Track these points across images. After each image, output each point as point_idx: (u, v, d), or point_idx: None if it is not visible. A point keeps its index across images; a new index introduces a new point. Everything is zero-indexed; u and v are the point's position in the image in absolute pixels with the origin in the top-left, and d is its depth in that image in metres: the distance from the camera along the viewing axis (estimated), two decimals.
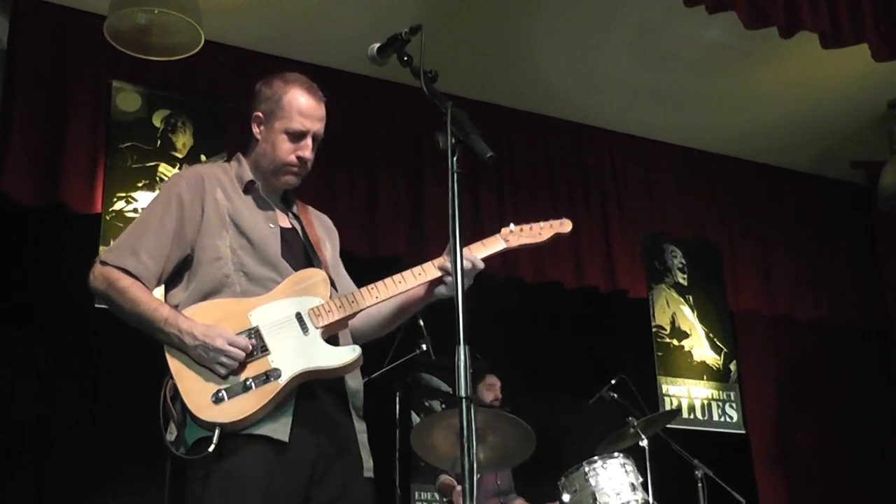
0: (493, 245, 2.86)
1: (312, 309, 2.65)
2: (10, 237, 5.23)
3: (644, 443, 5.09)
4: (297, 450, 2.55)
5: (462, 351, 2.11)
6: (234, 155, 2.94)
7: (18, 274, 5.28)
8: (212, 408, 2.51)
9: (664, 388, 6.71)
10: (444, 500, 5.27)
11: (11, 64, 5.15)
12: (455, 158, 2.28)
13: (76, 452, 5.19)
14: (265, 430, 2.53)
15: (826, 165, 7.56)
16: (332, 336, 2.70)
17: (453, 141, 2.30)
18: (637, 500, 4.68)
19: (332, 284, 2.74)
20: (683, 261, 7.12)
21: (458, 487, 4.96)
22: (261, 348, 2.59)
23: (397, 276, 2.73)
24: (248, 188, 2.83)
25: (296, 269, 2.73)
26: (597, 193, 6.78)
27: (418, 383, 6.55)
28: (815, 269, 7.44)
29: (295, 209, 2.93)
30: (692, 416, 6.74)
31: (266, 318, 2.63)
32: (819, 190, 7.69)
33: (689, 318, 7.01)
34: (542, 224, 2.95)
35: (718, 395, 6.92)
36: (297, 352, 2.60)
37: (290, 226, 2.87)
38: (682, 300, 7.05)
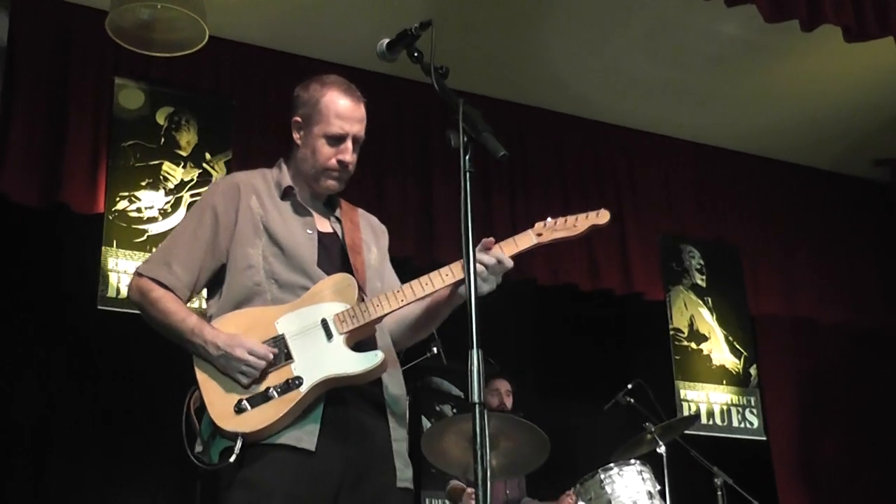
0: (524, 242, 2.76)
1: (337, 315, 2.66)
2: (10, 237, 5.25)
3: (661, 449, 5.08)
4: (325, 459, 2.56)
5: (475, 355, 2.11)
6: (276, 160, 2.97)
7: (19, 275, 5.31)
8: (234, 418, 2.55)
9: (682, 392, 6.69)
10: None
11: (11, 61, 5.16)
12: (467, 157, 2.28)
13: (76, 453, 5.22)
14: (290, 438, 2.56)
15: (848, 163, 7.53)
16: (364, 341, 2.71)
17: (465, 139, 2.30)
18: None
19: (361, 289, 2.73)
20: (702, 262, 7.11)
21: (469, 490, 4.95)
22: (285, 356, 2.62)
23: (424, 278, 2.71)
24: (286, 194, 2.86)
25: (330, 275, 2.74)
26: (612, 193, 6.77)
27: (429, 387, 6.55)
28: (837, 270, 7.41)
29: (338, 213, 2.93)
30: (711, 422, 6.72)
31: (292, 325, 2.66)
32: (841, 188, 7.66)
33: (707, 321, 7.00)
34: (577, 216, 2.82)
35: (738, 400, 6.91)
36: (319, 359, 2.61)
37: (330, 230, 2.88)
38: (700, 302, 7.03)
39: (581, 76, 6.37)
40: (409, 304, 2.70)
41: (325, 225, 2.88)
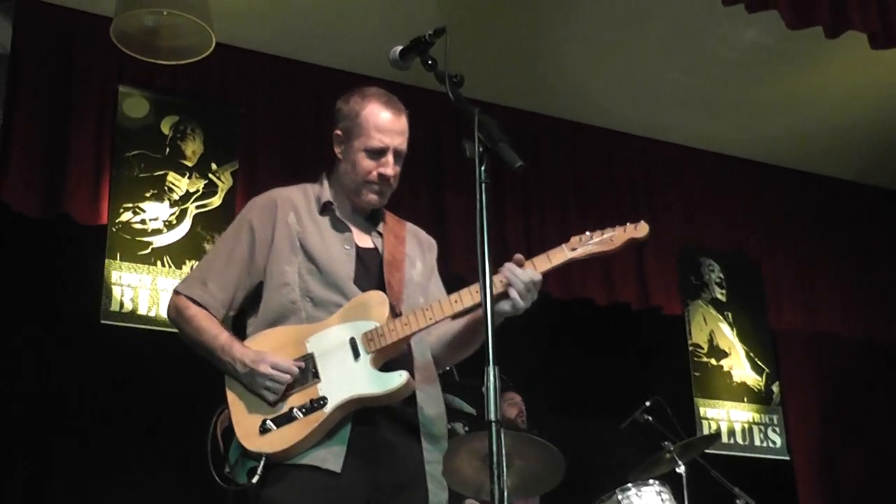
0: (558, 257, 2.70)
1: (365, 333, 2.66)
2: (11, 249, 5.26)
3: (681, 469, 5.06)
4: (350, 481, 2.57)
5: (492, 372, 2.10)
6: (319, 175, 2.98)
7: (20, 287, 5.32)
8: (258, 438, 2.60)
9: (702, 410, 6.67)
10: None
11: (14, 69, 5.19)
12: (483, 168, 2.28)
13: (77, 469, 5.22)
14: (314, 459, 2.58)
15: (874, 174, 7.52)
16: (396, 360, 2.70)
17: (481, 149, 2.30)
18: None
19: (394, 307, 2.72)
20: (721, 275, 7.09)
21: None
22: (312, 375, 2.65)
23: (454, 295, 2.70)
24: (325, 209, 2.88)
25: (366, 291, 2.74)
26: (628, 204, 6.76)
27: None
28: (862, 284, 7.39)
29: (381, 227, 2.94)
30: (732, 441, 6.70)
31: (321, 344, 2.68)
32: (866, 200, 7.64)
33: (727, 336, 6.98)
34: (613, 230, 2.75)
35: (760, 418, 6.88)
36: (345, 379, 2.63)
37: (370, 245, 2.89)
38: (720, 317, 7.02)
39: (597, 84, 6.38)
40: (437, 322, 2.68)
41: (365, 240, 2.89)
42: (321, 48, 5.92)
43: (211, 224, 5.51)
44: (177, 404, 5.43)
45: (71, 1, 5.45)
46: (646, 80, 6.34)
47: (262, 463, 2.55)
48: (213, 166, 5.62)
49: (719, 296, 7.05)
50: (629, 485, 4.79)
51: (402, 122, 2.86)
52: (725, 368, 6.89)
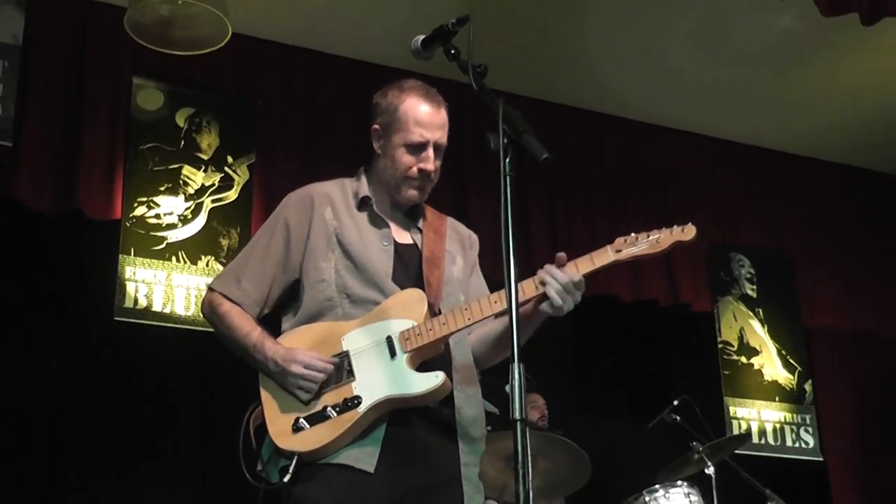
0: (602, 259, 2.69)
1: (402, 332, 2.67)
2: (24, 245, 5.30)
3: (710, 470, 5.05)
4: (383, 481, 2.58)
5: (517, 370, 2.10)
6: (357, 170, 2.98)
7: (33, 284, 5.36)
8: (291, 436, 2.62)
9: (732, 410, 6.65)
10: None
11: (26, 60, 5.22)
12: (507, 160, 2.27)
13: (90, 466, 5.27)
14: (347, 458, 2.59)
15: None
16: (434, 359, 2.70)
17: (506, 141, 2.29)
18: None
19: (433, 305, 2.73)
20: (752, 271, 7.06)
21: None
22: (347, 374, 2.66)
23: (494, 295, 2.69)
24: (363, 204, 2.88)
25: (404, 289, 2.75)
26: (656, 197, 6.74)
27: None
28: None
29: (421, 223, 2.94)
30: (763, 441, 6.67)
31: (357, 342, 2.69)
32: None
33: (758, 334, 6.95)
34: (660, 232, 2.74)
35: (792, 418, 6.85)
36: (380, 378, 2.64)
37: (409, 242, 2.89)
38: (750, 314, 6.99)
39: (624, 74, 6.36)
40: (475, 322, 2.69)
41: (404, 236, 2.89)
42: (340, 38, 5.92)
43: (227, 218, 5.53)
44: (191, 401, 5.47)
45: None
46: (674, 69, 6.31)
47: (294, 461, 2.57)
48: (230, 159, 5.63)
49: (750, 292, 7.03)
50: (657, 486, 4.80)
51: (441, 116, 2.87)
52: (756, 367, 6.86)
